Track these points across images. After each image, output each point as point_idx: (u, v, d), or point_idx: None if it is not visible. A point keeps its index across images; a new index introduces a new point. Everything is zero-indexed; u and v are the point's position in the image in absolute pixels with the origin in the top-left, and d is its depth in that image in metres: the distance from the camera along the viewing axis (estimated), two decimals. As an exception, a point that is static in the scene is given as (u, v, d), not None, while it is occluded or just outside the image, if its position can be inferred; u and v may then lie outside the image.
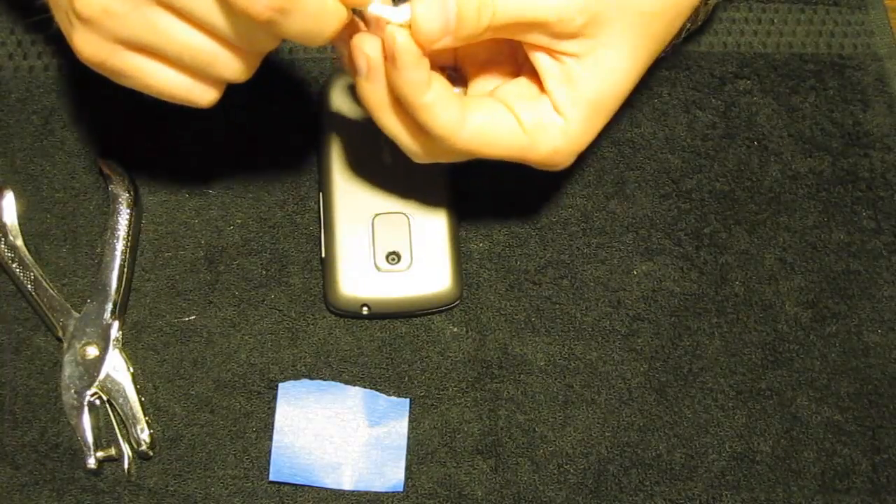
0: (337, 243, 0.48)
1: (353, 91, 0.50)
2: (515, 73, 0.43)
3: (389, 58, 0.37)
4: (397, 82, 0.37)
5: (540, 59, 0.40)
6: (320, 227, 0.49)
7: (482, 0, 0.37)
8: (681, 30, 0.45)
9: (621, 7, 0.38)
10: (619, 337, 0.49)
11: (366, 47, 0.37)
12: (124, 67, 0.37)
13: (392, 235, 0.48)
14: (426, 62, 0.37)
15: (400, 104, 0.39)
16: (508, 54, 0.43)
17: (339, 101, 0.50)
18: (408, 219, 0.48)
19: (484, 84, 0.43)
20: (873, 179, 0.53)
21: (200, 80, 0.38)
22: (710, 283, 0.50)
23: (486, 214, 0.51)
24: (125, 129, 0.51)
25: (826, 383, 0.49)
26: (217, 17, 0.35)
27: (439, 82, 0.38)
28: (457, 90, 0.43)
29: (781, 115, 0.54)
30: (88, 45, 0.36)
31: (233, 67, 0.37)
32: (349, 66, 0.39)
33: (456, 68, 0.44)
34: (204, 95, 0.38)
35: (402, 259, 0.48)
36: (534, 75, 0.41)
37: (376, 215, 0.48)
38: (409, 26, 0.36)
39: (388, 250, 0.48)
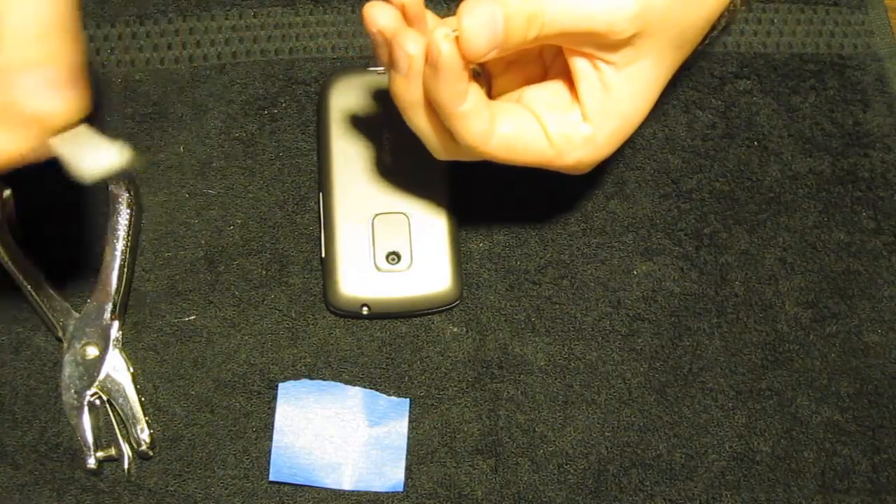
0: (337, 243, 0.48)
1: (355, 91, 0.50)
2: (541, 73, 0.42)
3: (432, 65, 0.36)
4: (435, 90, 0.37)
5: (578, 65, 0.39)
6: (320, 227, 0.49)
7: (531, 12, 0.36)
8: (706, 36, 0.44)
9: (665, 19, 0.38)
10: (619, 337, 0.49)
11: (408, 46, 0.36)
12: None
13: (392, 235, 0.48)
14: (466, 74, 0.36)
15: (431, 105, 0.38)
16: (536, 55, 0.43)
17: (339, 102, 0.50)
18: (408, 219, 0.48)
19: (508, 83, 0.43)
20: (873, 179, 0.53)
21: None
22: (710, 283, 0.50)
23: (486, 214, 0.51)
24: (125, 129, 0.51)
25: (826, 383, 0.49)
26: None
27: (475, 92, 0.38)
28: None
29: (781, 115, 0.54)
30: None
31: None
32: (385, 58, 0.38)
33: (481, 64, 0.43)
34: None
35: (402, 259, 0.48)
36: (564, 77, 0.41)
37: (376, 215, 0.48)
38: (456, 37, 0.35)
39: (388, 250, 0.48)
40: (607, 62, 0.39)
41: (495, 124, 0.39)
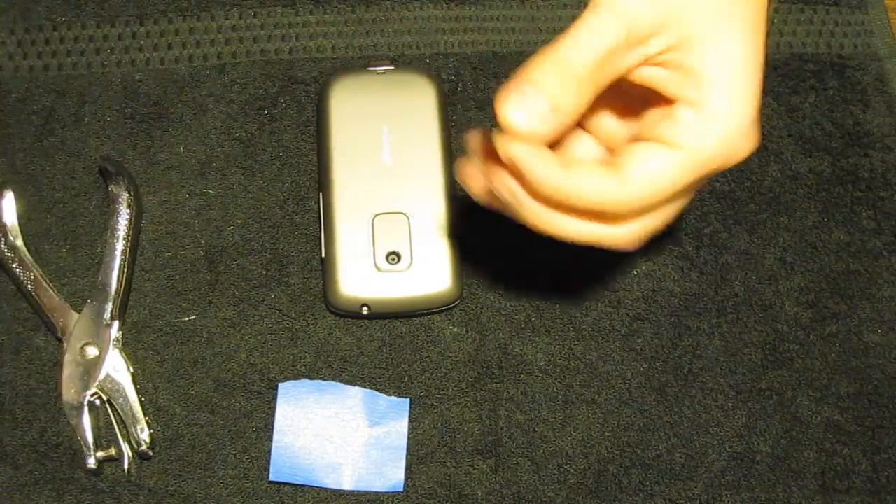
0: (337, 243, 0.48)
1: (355, 91, 0.50)
2: (625, 105, 0.40)
3: (520, 176, 0.34)
4: (536, 183, 0.34)
5: (648, 73, 0.36)
6: (320, 227, 0.49)
7: (567, 77, 0.34)
8: None
9: None
10: (619, 337, 0.49)
11: (495, 181, 0.35)
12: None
13: (392, 235, 0.48)
14: (547, 152, 0.34)
15: (557, 203, 0.36)
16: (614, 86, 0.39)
17: (339, 101, 0.50)
18: (408, 219, 0.48)
19: (599, 120, 0.40)
20: (873, 179, 0.53)
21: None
22: (710, 283, 0.50)
23: (486, 215, 0.51)
24: (125, 129, 0.51)
25: (826, 383, 0.49)
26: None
27: (576, 154, 0.36)
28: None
29: (781, 115, 0.54)
30: None
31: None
32: (495, 203, 0.38)
33: None
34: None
35: (402, 259, 0.48)
36: (656, 99, 0.37)
37: (376, 215, 0.48)
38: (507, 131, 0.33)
39: (388, 250, 0.48)
40: (664, 51, 0.35)
41: (623, 170, 0.35)
